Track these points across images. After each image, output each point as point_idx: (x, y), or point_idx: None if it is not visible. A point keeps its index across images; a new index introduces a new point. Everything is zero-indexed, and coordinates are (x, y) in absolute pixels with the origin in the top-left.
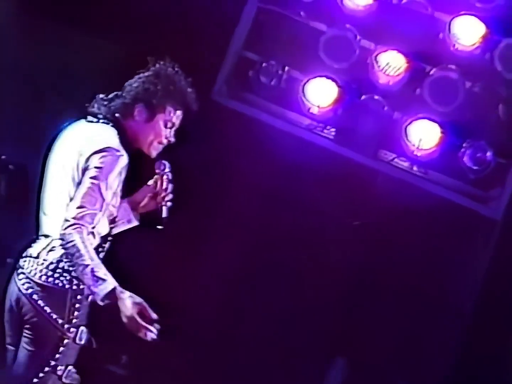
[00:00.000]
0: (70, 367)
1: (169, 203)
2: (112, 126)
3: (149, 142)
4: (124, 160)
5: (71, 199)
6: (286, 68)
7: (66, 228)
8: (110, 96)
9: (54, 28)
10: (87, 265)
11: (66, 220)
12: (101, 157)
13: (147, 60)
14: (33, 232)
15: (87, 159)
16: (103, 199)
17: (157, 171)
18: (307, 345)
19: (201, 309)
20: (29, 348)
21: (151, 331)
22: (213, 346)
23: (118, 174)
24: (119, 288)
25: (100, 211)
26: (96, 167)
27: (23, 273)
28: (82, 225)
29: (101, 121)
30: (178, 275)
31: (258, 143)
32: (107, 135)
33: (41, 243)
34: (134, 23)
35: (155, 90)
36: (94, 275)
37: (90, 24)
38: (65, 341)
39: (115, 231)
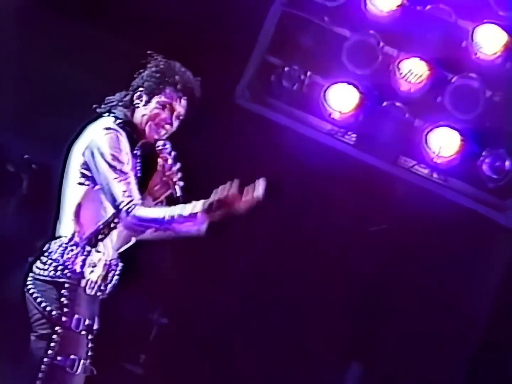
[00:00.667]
0: (82, 360)
1: (180, 182)
2: (120, 122)
3: (146, 122)
4: (124, 137)
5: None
6: (309, 73)
7: (125, 212)
8: (118, 95)
9: (79, 29)
10: (164, 220)
11: (118, 206)
12: (101, 137)
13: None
14: (53, 232)
15: (88, 147)
16: (125, 170)
17: (157, 149)
18: (324, 350)
19: (218, 311)
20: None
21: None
22: (230, 348)
23: (123, 147)
24: (203, 204)
25: (128, 177)
26: (100, 147)
27: (31, 271)
28: (131, 201)
29: (111, 115)
30: (197, 276)
31: (279, 147)
32: (103, 122)
33: (52, 244)
34: (159, 26)
35: (153, 75)
36: (180, 220)
37: (112, 25)
38: (58, 330)
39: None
